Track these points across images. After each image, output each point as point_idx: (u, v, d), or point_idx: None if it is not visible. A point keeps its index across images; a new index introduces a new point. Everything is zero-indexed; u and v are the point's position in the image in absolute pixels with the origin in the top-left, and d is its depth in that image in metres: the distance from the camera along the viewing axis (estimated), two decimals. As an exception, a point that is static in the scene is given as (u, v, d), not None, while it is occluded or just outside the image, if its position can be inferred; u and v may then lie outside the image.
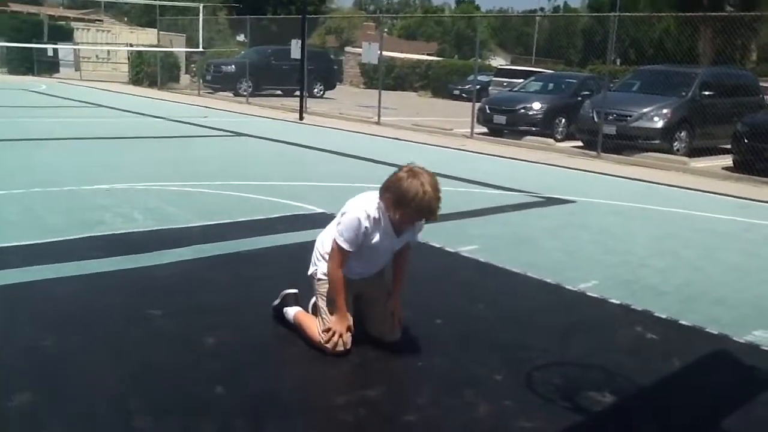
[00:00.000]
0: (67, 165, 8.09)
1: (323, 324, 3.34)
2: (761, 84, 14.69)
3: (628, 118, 12.52)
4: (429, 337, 3.64)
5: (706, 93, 12.85)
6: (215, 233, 5.36)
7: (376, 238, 3.24)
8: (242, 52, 24.90)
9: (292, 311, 3.61)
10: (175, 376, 3.05)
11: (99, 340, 3.36)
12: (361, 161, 9.89)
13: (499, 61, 38.98)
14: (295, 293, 3.70)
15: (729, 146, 11.93)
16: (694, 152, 12.55)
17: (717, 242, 6.25)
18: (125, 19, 48.16)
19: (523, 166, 10.75)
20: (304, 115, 16.31)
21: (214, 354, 3.29)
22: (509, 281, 4.73)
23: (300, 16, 17.22)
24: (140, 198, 6.44)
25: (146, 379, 3.01)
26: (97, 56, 32.32)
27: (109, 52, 31.77)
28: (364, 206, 3.23)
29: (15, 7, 36.18)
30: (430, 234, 5.62)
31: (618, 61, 32.72)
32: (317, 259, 3.48)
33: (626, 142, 12.35)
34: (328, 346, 3.22)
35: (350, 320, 3.33)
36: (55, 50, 29.14)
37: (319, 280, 3.43)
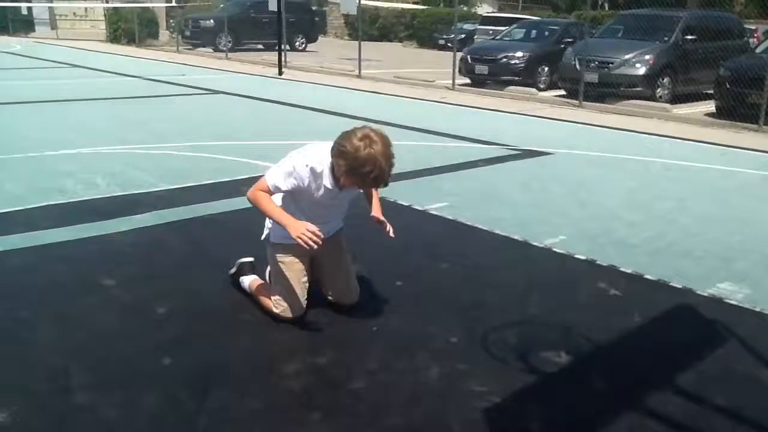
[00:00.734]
0: (34, 130, 7.91)
1: (278, 291, 3.27)
2: (746, 27, 14.47)
3: (610, 65, 12.34)
4: (387, 299, 3.58)
5: (689, 37, 12.64)
6: (178, 197, 5.26)
7: (320, 192, 3.12)
8: (221, 6, 24.34)
9: (247, 279, 3.54)
10: (122, 348, 2.99)
11: (46, 312, 3.29)
12: (337, 117, 9.71)
13: (486, 9, 38.22)
14: (251, 261, 3.63)
15: (712, 91, 11.81)
16: (677, 98, 12.41)
17: (691, 192, 6.19)
18: (103, -26, 46.91)
19: (504, 118, 10.60)
20: (283, 69, 16.02)
21: (164, 323, 3.23)
22: (475, 239, 4.66)
23: (277, -33, 16.73)
24: (105, 163, 6.31)
25: (91, 351, 2.95)
26: (74, 13, 31.60)
27: (86, 9, 31.04)
28: (305, 157, 3.09)
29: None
30: (398, 193, 5.55)
31: (606, 6, 32.22)
32: (269, 222, 3.38)
33: (609, 90, 12.20)
34: (305, 243, 2.95)
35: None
36: (30, 8, 28.41)
37: (273, 243, 3.34)
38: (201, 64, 18.14)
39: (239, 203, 5.15)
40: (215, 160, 6.60)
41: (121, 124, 8.49)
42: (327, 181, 3.09)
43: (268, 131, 8.37)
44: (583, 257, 4.33)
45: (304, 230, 2.93)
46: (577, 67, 12.41)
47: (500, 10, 36.19)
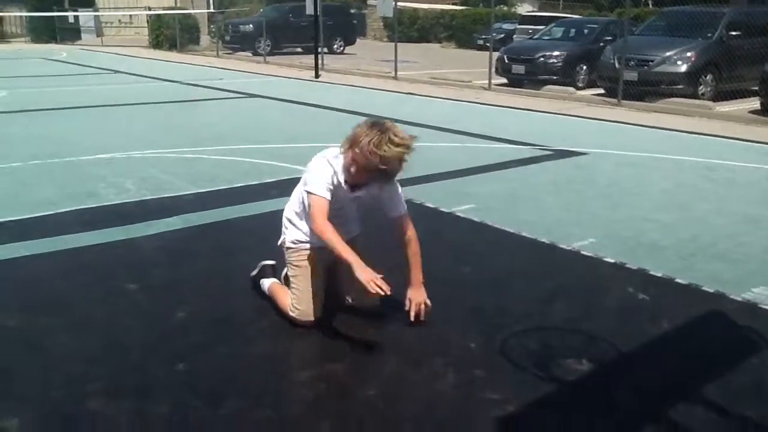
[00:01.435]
0: (74, 134, 8.08)
1: (294, 295, 3.25)
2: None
3: (650, 62, 12.05)
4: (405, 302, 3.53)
5: (733, 33, 12.26)
6: (207, 201, 5.30)
7: (337, 188, 3.10)
8: (260, 11, 24.58)
9: (267, 282, 3.53)
10: (139, 354, 3.00)
11: (69, 319, 3.32)
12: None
13: (526, 8, 37.81)
14: (272, 264, 3.62)
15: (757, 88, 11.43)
16: (720, 96, 12.05)
17: (733, 192, 5.98)
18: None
19: (539, 118, 10.44)
20: (320, 72, 16.09)
21: (183, 329, 3.24)
22: (501, 241, 4.58)
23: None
24: (137, 167, 6.40)
25: (108, 358, 2.97)
26: (119, 21, 32.32)
27: (131, 16, 31.70)
28: (323, 156, 3.11)
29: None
30: (426, 195, 5.52)
31: (649, 3, 31.55)
32: (285, 227, 3.37)
33: (649, 88, 11.91)
34: (373, 291, 2.84)
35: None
36: (76, 17, 29.13)
37: (288, 248, 3.32)
38: (239, 68, 18.34)
39: (266, 206, 5.18)
40: (246, 164, 6.63)
41: (156, 129, 8.62)
42: (341, 177, 3.06)
43: (300, 134, 8.40)
44: (611, 260, 4.21)
45: (373, 277, 2.83)
46: (616, 65, 12.16)
47: (541, 9, 35.74)
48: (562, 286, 3.84)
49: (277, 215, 4.94)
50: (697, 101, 11.59)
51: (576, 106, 11.67)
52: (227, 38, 23.32)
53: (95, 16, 30.25)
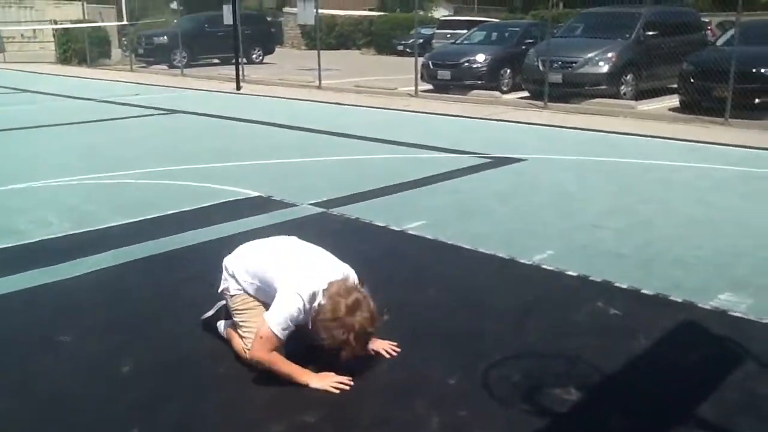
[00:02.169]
0: (-19, 162, 7.46)
1: (248, 338, 2.97)
2: (703, 20, 14.55)
3: (574, 64, 12.25)
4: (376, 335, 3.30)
5: (650, 33, 12.63)
6: (139, 232, 4.90)
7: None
8: (174, 21, 23.81)
9: (225, 324, 3.24)
10: (85, 414, 2.66)
11: (-4, 379, 2.93)
12: (300, 132, 9.38)
13: (442, 12, 38.17)
14: (229, 305, 3.32)
15: (675, 86, 11.79)
16: (641, 95, 12.37)
17: (670, 193, 6.02)
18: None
19: (471, 124, 10.40)
20: (241, 84, 15.63)
21: (131, 383, 2.90)
22: (459, 259, 4.41)
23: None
24: (57, 197, 5.91)
25: (51, 420, 2.61)
26: (22, 35, 30.66)
27: (35, 30, 30.14)
28: (299, 293, 2.79)
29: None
30: (373, 212, 5.30)
31: (561, 5, 32.42)
32: (227, 276, 3.11)
33: (573, 90, 12.10)
34: (337, 392, 2.77)
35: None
36: (-27, 33, 27.48)
37: (233, 295, 3.08)
38: (156, 82, 17.65)
39: (205, 235, 4.84)
40: (175, 187, 6.24)
41: (72, 152, 8.06)
42: (306, 318, 2.83)
43: (231, 151, 8.02)
44: (574, 273, 4.10)
45: (330, 382, 2.78)
46: (541, 68, 12.30)
47: (456, 12, 36.17)
48: (530, 304, 3.69)
49: (220, 244, 4.68)
50: (620, 101, 11.85)
51: (504, 111, 11.71)
52: (140, 51, 22.45)
53: (-6, 31, 28.60)
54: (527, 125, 10.17)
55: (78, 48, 23.84)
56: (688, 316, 3.52)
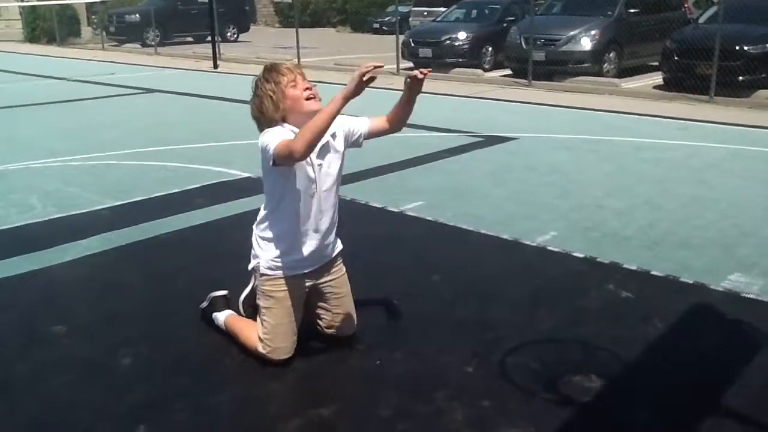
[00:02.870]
0: (-48, 145, 7.16)
1: (266, 329, 2.80)
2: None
3: (557, 42, 12.14)
4: (384, 325, 3.19)
5: (632, 11, 12.57)
6: (126, 216, 4.71)
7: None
8: (146, -1, 23.22)
9: (222, 316, 3.06)
10: (86, 416, 2.50)
11: (-13, 376, 2.76)
12: (284, 111, 9.16)
13: (416, -10, 37.71)
14: (224, 295, 3.14)
15: (657, 64, 11.75)
16: (622, 72, 12.32)
17: (667, 173, 5.95)
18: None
19: (457, 102, 10.26)
20: (218, 62, 15.29)
21: (133, 380, 2.74)
22: (462, 242, 4.29)
23: (203, -44, 15.93)
24: (38, 180, 5.67)
25: (49, 422, 2.46)
26: (-15, 13, 29.77)
27: (-1, 8, 29.26)
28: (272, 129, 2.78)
29: None
30: (368, 192, 5.16)
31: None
32: (257, 249, 2.84)
33: (556, 68, 12.00)
34: (372, 74, 2.59)
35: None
36: (-64, 10, 26.57)
37: (262, 275, 2.81)
38: (130, 61, 17.20)
39: (195, 218, 4.67)
40: (161, 169, 6.03)
41: (50, 133, 7.77)
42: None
43: (213, 132, 7.80)
44: (581, 255, 4.01)
45: (362, 70, 2.59)
46: (524, 45, 12.17)
47: (432, -10, 35.72)
48: (541, 288, 3.59)
49: (210, 227, 4.52)
50: (603, 79, 11.77)
51: (489, 89, 11.58)
52: (112, 29, 21.86)
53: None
54: (514, 103, 10.06)
55: (46, 26, 23.16)
56: (701, 299, 3.45)
